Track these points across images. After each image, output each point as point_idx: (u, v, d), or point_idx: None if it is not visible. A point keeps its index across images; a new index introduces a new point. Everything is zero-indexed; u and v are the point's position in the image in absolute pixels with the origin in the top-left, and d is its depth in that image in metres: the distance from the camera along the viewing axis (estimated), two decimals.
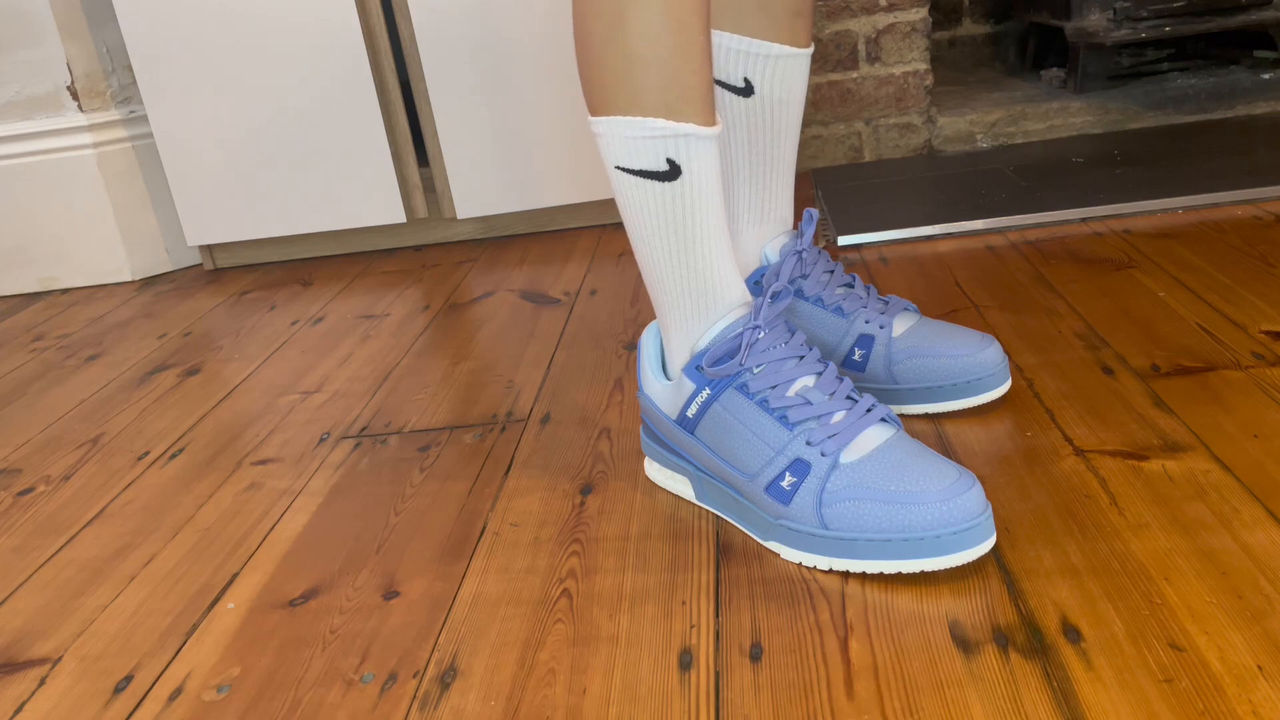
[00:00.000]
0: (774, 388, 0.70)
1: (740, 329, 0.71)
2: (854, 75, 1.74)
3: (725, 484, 0.73)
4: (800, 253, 0.87)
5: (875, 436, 0.68)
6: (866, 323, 0.86)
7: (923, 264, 1.21)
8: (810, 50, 0.85)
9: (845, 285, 0.89)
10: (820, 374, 0.71)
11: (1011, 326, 1.00)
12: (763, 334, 0.71)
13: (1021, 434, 0.80)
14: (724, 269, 0.71)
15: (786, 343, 0.71)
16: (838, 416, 0.68)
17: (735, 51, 0.82)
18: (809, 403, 0.69)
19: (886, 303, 0.88)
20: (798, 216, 1.50)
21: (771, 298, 0.71)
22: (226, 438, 1.02)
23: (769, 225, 0.88)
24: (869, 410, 0.69)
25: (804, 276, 0.87)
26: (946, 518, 0.63)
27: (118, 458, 1.01)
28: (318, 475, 0.91)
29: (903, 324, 0.86)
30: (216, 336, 1.34)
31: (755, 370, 0.70)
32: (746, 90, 0.84)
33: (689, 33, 0.65)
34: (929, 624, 0.60)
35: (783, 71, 0.84)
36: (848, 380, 0.71)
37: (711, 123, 0.68)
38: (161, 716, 0.63)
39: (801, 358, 0.71)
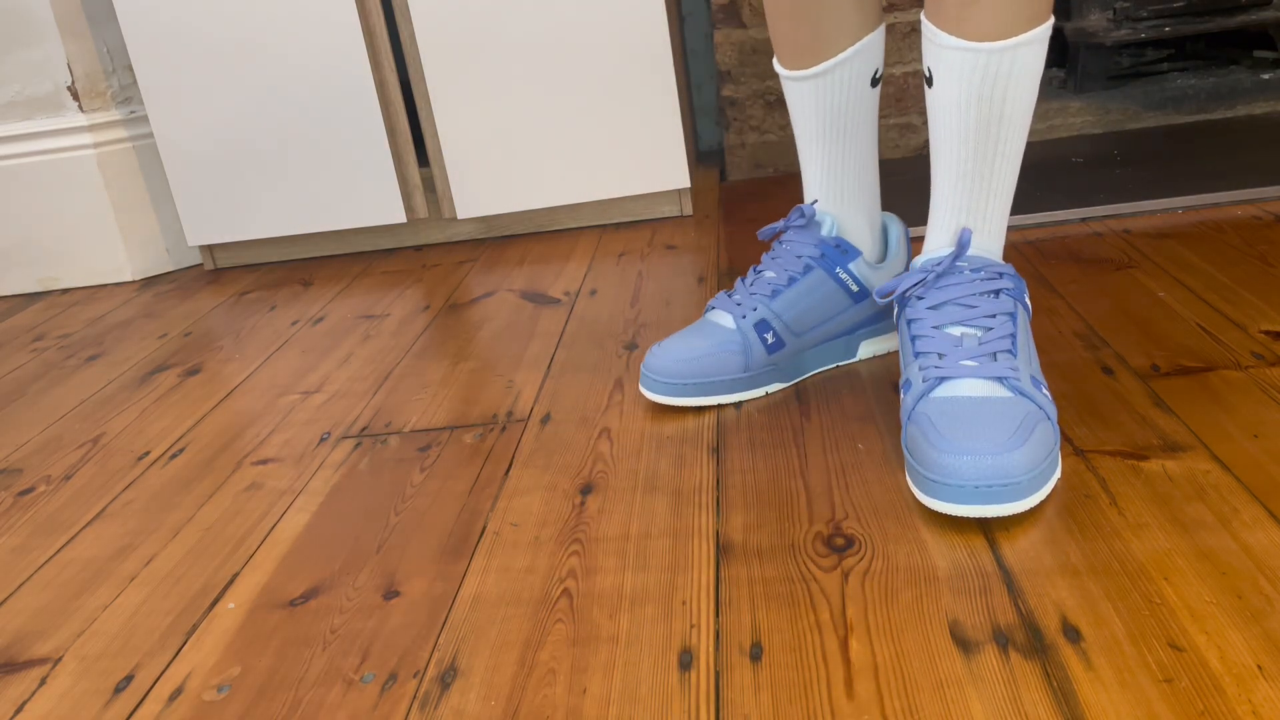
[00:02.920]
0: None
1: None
2: None
3: None
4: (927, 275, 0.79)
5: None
6: (920, 369, 0.76)
7: None
8: (987, 46, 0.70)
9: (960, 325, 0.77)
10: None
11: None
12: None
13: None
14: (806, 180, 0.93)
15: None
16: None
17: (924, 37, 0.76)
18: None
19: (979, 363, 0.75)
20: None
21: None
22: (227, 438, 1.02)
23: (930, 230, 0.82)
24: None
25: (920, 298, 0.80)
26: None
27: (118, 458, 1.01)
28: (318, 475, 0.91)
29: (956, 390, 0.74)
30: (217, 336, 1.34)
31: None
32: (929, 80, 0.77)
33: None
34: (929, 624, 0.60)
35: (948, 64, 0.73)
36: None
37: (795, 67, 0.87)
38: (162, 716, 0.63)
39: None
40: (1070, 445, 0.77)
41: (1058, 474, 0.71)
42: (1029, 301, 0.77)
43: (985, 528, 0.69)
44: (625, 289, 1.29)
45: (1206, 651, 0.55)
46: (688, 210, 1.61)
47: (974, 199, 0.78)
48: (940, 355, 0.75)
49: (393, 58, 1.54)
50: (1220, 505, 0.67)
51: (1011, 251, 1.21)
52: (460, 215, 1.59)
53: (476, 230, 1.64)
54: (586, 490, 0.81)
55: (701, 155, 2.05)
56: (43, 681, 0.68)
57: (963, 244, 0.77)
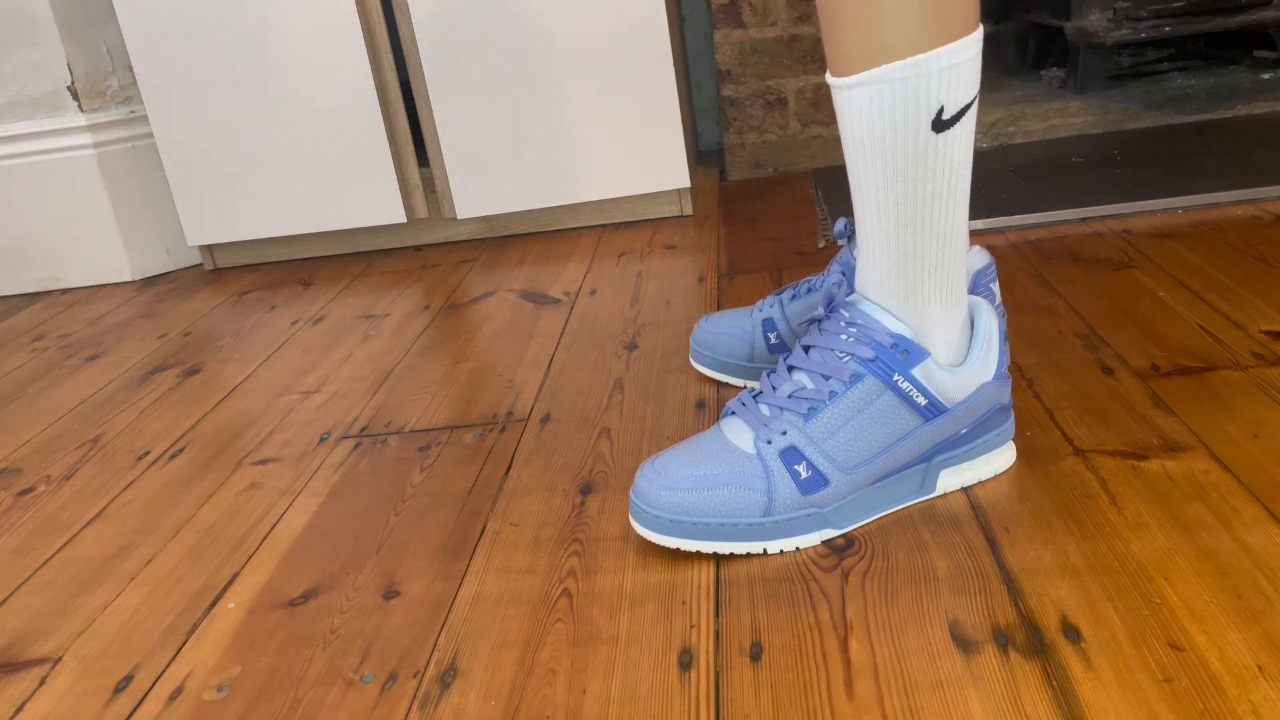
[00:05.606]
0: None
1: None
2: None
3: None
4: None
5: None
6: (738, 398, 0.77)
7: None
8: (839, 81, 0.65)
9: (809, 373, 0.76)
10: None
11: (1011, 326, 1.00)
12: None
13: (1021, 434, 0.80)
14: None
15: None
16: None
17: None
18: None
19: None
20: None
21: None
22: (226, 438, 1.02)
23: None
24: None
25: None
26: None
27: (118, 458, 1.01)
28: (318, 475, 0.91)
29: (726, 424, 0.75)
30: (217, 336, 1.34)
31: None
32: None
33: None
34: (929, 624, 0.60)
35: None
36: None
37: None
38: (162, 716, 0.63)
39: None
40: (1070, 445, 0.77)
41: (741, 548, 0.69)
42: (917, 384, 0.70)
43: (985, 527, 0.69)
44: (625, 289, 1.29)
45: (1206, 651, 0.55)
46: (688, 210, 1.61)
47: (878, 240, 0.70)
48: (758, 394, 0.73)
49: (393, 58, 1.54)
50: (1220, 505, 0.67)
51: (1011, 252, 1.21)
52: (460, 215, 1.59)
53: (476, 230, 1.64)
54: (586, 490, 0.81)
55: (701, 155, 2.05)
56: (42, 681, 0.68)
57: (826, 298, 0.72)
